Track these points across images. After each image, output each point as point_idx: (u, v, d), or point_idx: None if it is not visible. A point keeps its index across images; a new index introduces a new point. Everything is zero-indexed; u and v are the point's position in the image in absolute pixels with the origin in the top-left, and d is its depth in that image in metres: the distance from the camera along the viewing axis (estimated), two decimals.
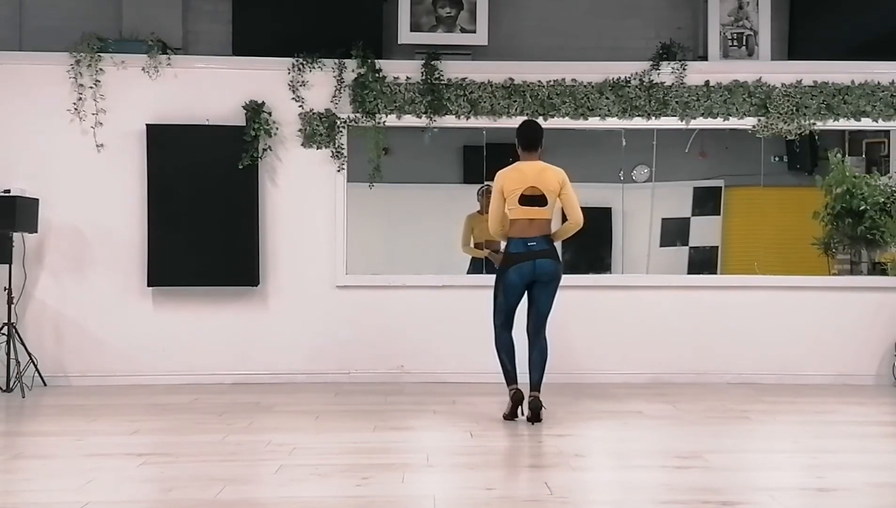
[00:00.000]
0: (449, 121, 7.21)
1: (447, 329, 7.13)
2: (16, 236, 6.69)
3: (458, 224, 7.76)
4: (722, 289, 7.32)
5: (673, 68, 7.25)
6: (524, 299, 5.52)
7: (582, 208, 5.43)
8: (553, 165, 5.45)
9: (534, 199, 5.31)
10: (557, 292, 5.51)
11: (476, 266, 7.63)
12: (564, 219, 5.52)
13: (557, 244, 5.54)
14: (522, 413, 5.39)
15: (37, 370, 6.72)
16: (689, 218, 8.50)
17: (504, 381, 5.47)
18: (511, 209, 5.35)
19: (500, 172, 5.47)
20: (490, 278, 5.97)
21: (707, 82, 7.26)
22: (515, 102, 7.18)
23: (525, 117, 7.09)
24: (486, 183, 6.82)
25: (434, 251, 8.01)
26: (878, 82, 7.27)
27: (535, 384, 5.33)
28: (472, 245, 7.62)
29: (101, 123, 7.04)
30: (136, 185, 7.03)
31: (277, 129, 7.10)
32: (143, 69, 7.06)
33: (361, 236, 7.35)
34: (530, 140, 5.45)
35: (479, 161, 7.58)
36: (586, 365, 7.14)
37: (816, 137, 7.73)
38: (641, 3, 7.74)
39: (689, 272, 8.25)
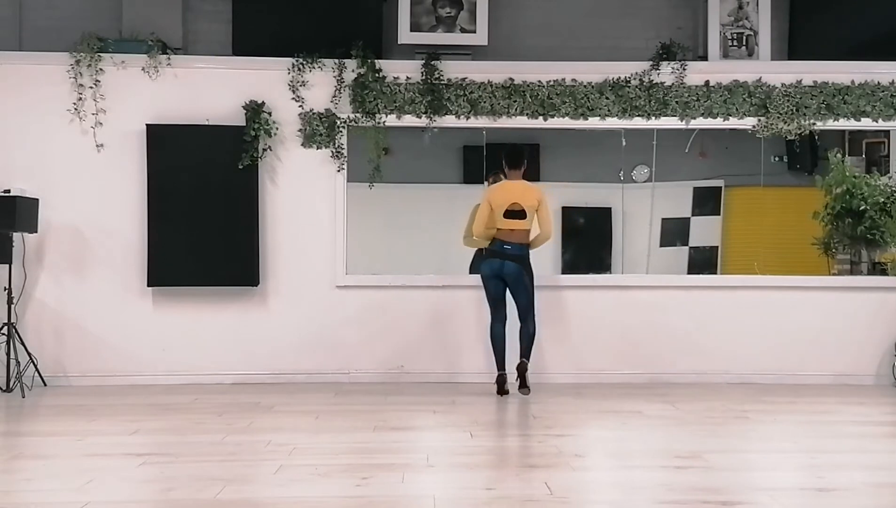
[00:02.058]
0: (449, 121, 7.22)
1: (447, 329, 7.13)
2: (16, 236, 6.69)
3: (458, 224, 7.73)
4: (722, 289, 7.32)
5: (673, 68, 7.25)
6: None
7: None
8: (533, 185, 6.55)
9: (515, 213, 6.38)
10: (536, 288, 6.49)
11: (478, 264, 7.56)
12: None
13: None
14: (507, 392, 6.35)
15: (37, 370, 6.72)
16: (689, 218, 8.50)
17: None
18: (497, 220, 6.40)
19: (490, 186, 6.66)
20: None
21: (707, 82, 7.26)
22: (515, 102, 7.18)
23: (525, 118, 7.15)
24: (495, 171, 6.91)
25: (434, 251, 8.01)
26: (878, 82, 7.27)
27: (524, 352, 6.40)
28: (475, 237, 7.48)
29: (100, 123, 7.04)
30: (135, 185, 7.03)
31: (277, 129, 7.10)
32: (143, 69, 7.06)
33: (361, 236, 7.35)
34: (516, 161, 6.53)
35: (479, 161, 7.58)
36: (586, 365, 7.14)
37: (816, 137, 7.74)
38: (641, 3, 7.74)
39: (689, 272, 8.26)
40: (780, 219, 7.93)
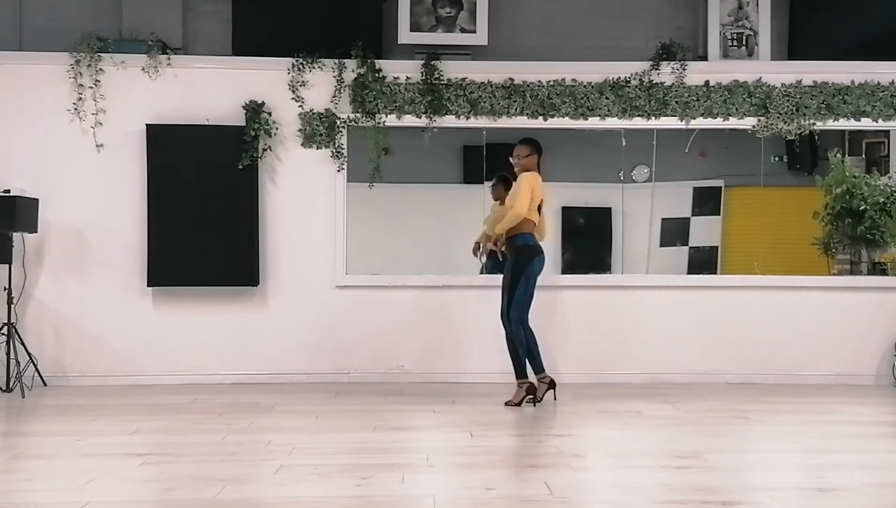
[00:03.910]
0: (449, 121, 7.22)
1: (447, 329, 7.13)
2: (16, 236, 6.69)
3: (459, 224, 7.73)
4: (722, 289, 7.32)
5: (673, 68, 7.25)
6: None
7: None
8: None
9: (540, 208, 6.11)
10: (536, 288, 6.11)
11: (492, 265, 7.46)
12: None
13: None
14: (556, 398, 6.12)
15: (37, 370, 6.72)
16: (689, 218, 8.50)
17: (516, 374, 5.98)
18: (531, 211, 6.04)
19: (530, 173, 6.02)
20: (488, 278, 6.17)
21: (707, 82, 7.26)
22: (515, 102, 7.18)
23: (525, 118, 7.15)
24: (501, 174, 6.82)
25: (434, 251, 8.01)
26: (878, 82, 7.27)
27: (542, 366, 6.08)
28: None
29: (100, 123, 7.04)
30: (136, 185, 7.03)
31: (277, 129, 7.10)
32: (143, 69, 7.06)
33: (361, 236, 7.35)
34: (541, 152, 6.17)
35: (479, 161, 7.58)
36: (586, 365, 7.13)
37: (816, 137, 7.73)
38: (641, 3, 7.74)
39: (689, 272, 8.25)
40: (780, 219, 7.92)
